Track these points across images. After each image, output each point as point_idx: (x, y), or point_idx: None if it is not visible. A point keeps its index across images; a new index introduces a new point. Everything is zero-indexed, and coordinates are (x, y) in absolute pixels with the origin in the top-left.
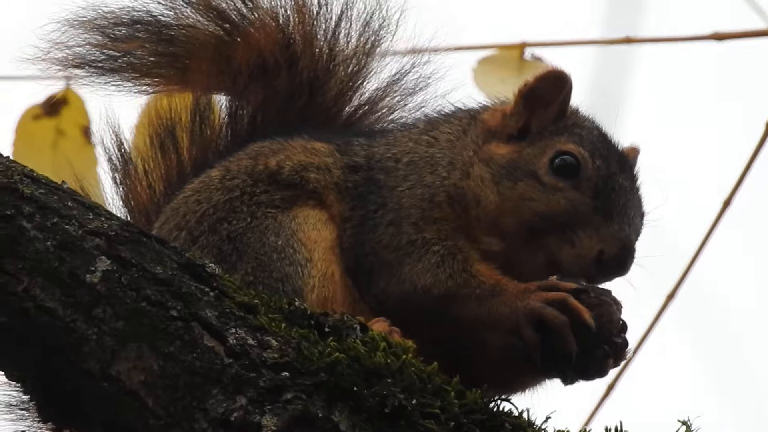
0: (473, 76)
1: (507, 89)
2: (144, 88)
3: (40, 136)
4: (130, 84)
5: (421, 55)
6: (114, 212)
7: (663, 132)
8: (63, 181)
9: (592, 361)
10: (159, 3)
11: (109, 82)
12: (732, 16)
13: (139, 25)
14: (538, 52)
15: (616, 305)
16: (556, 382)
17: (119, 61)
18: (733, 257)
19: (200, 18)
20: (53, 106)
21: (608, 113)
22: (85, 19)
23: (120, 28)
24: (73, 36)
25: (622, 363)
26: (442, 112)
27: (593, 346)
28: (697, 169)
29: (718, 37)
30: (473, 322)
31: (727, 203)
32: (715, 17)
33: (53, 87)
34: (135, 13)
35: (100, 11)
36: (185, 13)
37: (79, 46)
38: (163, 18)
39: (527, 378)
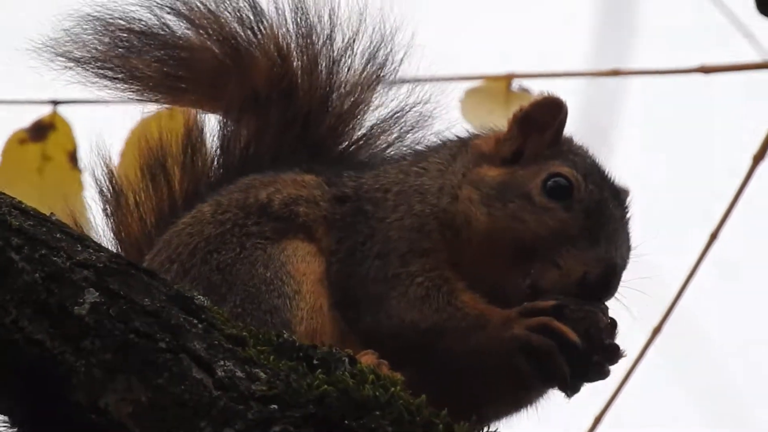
0: (460, 108)
1: (494, 120)
2: (140, 98)
3: (26, 160)
4: (128, 93)
5: (421, 90)
6: (103, 244)
7: (650, 164)
8: (52, 213)
9: (590, 368)
10: (173, 16)
11: (106, 86)
12: (721, 47)
13: (146, 38)
14: (526, 83)
15: (601, 311)
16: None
17: (122, 71)
18: (720, 290)
19: (209, 41)
20: (40, 131)
21: (596, 145)
22: (98, 17)
23: (130, 36)
24: (85, 32)
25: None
26: (432, 144)
27: (587, 356)
28: (683, 201)
29: (705, 70)
30: (463, 354)
31: (713, 236)
32: (704, 49)
33: (40, 111)
34: (147, 25)
35: (115, 13)
36: (198, 33)
37: (88, 44)
38: (175, 35)
39: (529, 394)
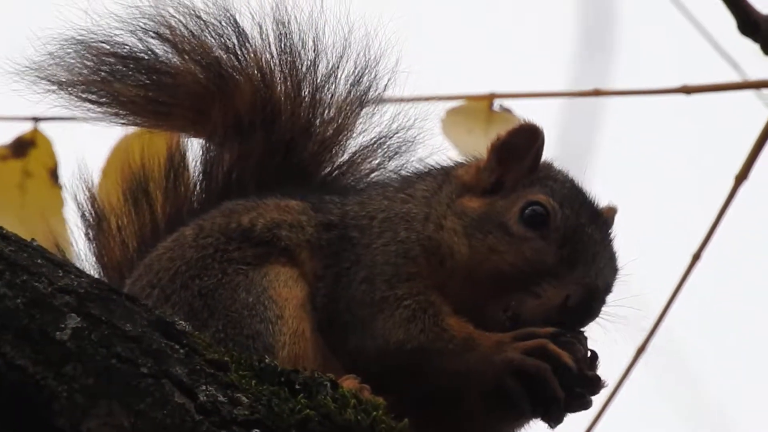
0: (441, 127)
1: (475, 140)
2: (123, 122)
3: (7, 177)
4: (111, 116)
5: (404, 116)
6: (85, 268)
7: (631, 185)
8: (33, 239)
9: (574, 399)
10: (157, 41)
11: (89, 110)
12: (702, 67)
13: (129, 63)
14: (507, 103)
15: (579, 342)
16: (541, 425)
17: (105, 95)
18: (703, 311)
19: (192, 66)
20: (21, 147)
21: (576, 165)
22: (82, 41)
23: (114, 60)
24: (68, 55)
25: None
26: (417, 171)
27: (569, 386)
28: (665, 222)
29: (687, 90)
30: (451, 377)
31: (696, 257)
32: (686, 69)
33: (21, 128)
34: (131, 49)
35: (99, 37)
36: (181, 58)
37: (71, 68)
38: (158, 60)
39: (512, 422)
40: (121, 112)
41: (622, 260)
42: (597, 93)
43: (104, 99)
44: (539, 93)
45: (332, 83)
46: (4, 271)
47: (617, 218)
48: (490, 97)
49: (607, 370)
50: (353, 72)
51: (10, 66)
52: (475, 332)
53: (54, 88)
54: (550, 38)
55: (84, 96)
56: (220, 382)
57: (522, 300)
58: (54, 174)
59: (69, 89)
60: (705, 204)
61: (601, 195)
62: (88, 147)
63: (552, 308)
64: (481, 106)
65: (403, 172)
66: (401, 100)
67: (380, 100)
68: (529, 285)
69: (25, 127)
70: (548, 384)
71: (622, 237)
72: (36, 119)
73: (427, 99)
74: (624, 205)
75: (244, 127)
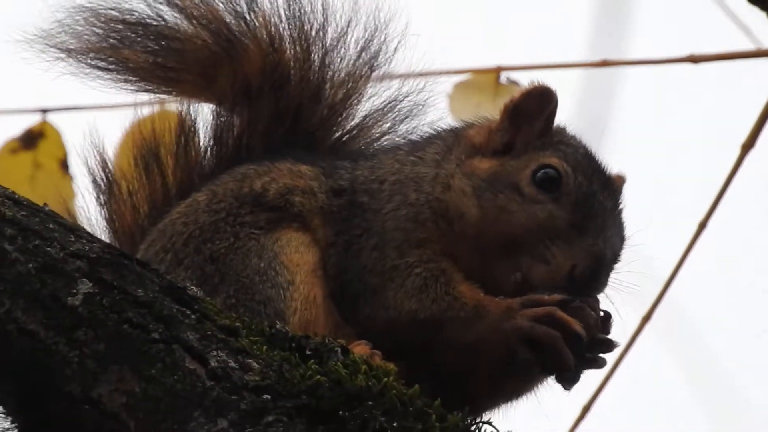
0: (449, 102)
1: (483, 114)
2: (132, 88)
3: (17, 169)
4: (120, 83)
5: (415, 81)
6: (96, 234)
7: (639, 154)
8: (45, 204)
9: (586, 361)
10: (166, 6)
11: (98, 77)
12: (715, 35)
13: (138, 29)
14: (514, 76)
15: (590, 306)
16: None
17: (114, 62)
18: (709, 279)
19: (201, 31)
20: (30, 139)
21: (586, 137)
22: (91, 8)
23: (123, 26)
24: (77, 22)
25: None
26: (427, 134)
27: (584, 349)
28: (672, 191)
29: (694, 59)
30: (462, 345)
31: (702, 225)
32: (696, 39)
33: (30, 120)
34: (140, 15)
35: (107, 4)
36: (190, 23)
37: (80, 35)
38: (167, 25)
39: (524, 385)
40: (130, 78)
41: (630, 229)
42: (605, 63)
43: (113, 66)
44: (546, 65)
45: (342, 47)
46: (16, 236)
47: (625, 187)
48: (497, 71)
49: (615, 335)
50: (363, 35)
51: (20, 34)
52: (485, 298)
53: (63, 56)
54: (562, 9)
55: (93, 63)
56: (231, 348)
57: (531, 265)
58: (64, 164)
59: (78, 57)
60: (711, 172)
61: (610, 163)
62: (100, 133)
63: (560, 275)
64: (488, 80)
65: (413, 136)
66: (407, 75)
67: (388, 75)
68: (538, 248)
69: (34, 119)
70: (559, 352)
71: (630, 205)
72: (44, 110)
73: (433, 74)
74: (631, 174)
75: (253, 92)
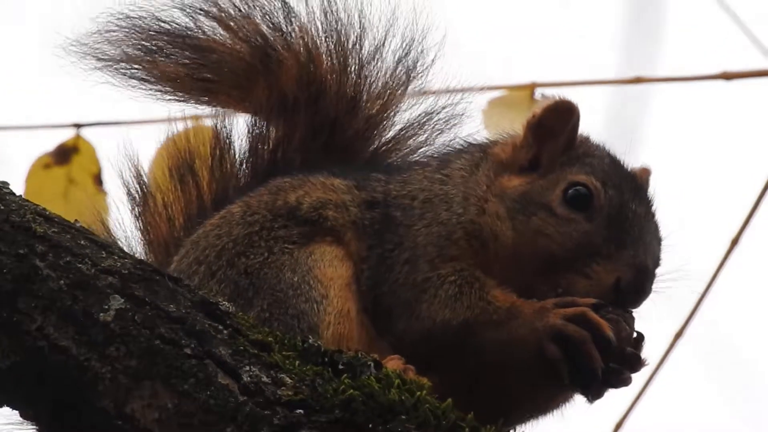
0: (483, 117)
1: (517, 130)
2: (168, 98)
3: (51, 185)
4: (156, 93)
5: (453, 95)
6: (131, 246)
7: (671, 170)
8: (76, 220)
9: (612, 374)
10: (205, 17)
11: (134, 86)
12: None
13: (176, 40)
14: (549, 92)
15: (626, 321)
16: (580, 401)
17: (151, 72)
18: (741, 296)
19: (239, 44)
20: (64, 154)
21: (620, 153)
22: (130, 17)
23: (161, 37)
24: (116, 31)
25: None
26: (454, 149)
27: (612, 360)
28: (705, 207)
29: (727, 76)
30: (494, 347)
31: (735, 242)
32: (728, 57)
33: (63, 135)
34: (178, 26)
35: (146, 14)
36: (228, 36)
37: (118, 44)
38: (205, 37)
39: (553, 397)
40: (166, 88)
41: (664, 228)
42: (638, 80)
43: (149, 76)
44: (581, 81)
45: (379, 59)
46: (47, 252)
47: (652, 180)
48: (532, 87)
49: (650, 349)
50: (400, 47)
51: (59, 41)
52: (518, 300)
53: (100, 64)
54: (596, 26)
55: (130, 73)
56: (264, 363)
57: (572, 281)
58: (98, 179)
59: (115, 65)
60: (744, 189)
61: (644, 163)
62: (134, 145)
63: (604, 289)
64: (522, 96)
65: (442, 150)
66: (442, 91)
67: (423, 92)
68: (577, 265)
69: (68, 134)
70: (586, 352)
71: (663, 213)
72: (78, 125)
73: (468, 90)
74: (664, 189)
75: (289, 104)
